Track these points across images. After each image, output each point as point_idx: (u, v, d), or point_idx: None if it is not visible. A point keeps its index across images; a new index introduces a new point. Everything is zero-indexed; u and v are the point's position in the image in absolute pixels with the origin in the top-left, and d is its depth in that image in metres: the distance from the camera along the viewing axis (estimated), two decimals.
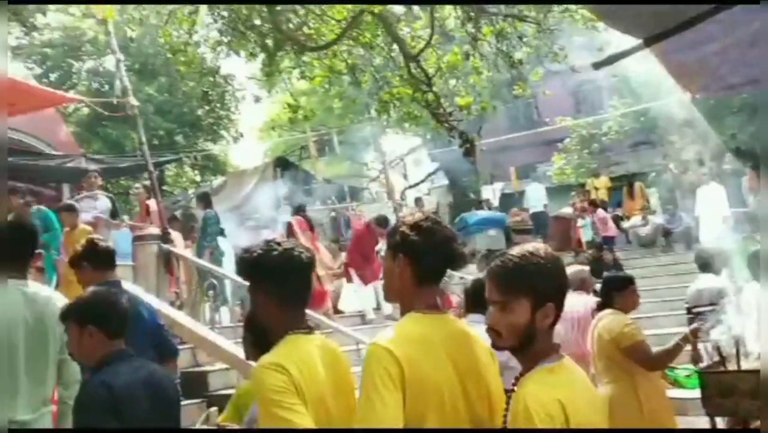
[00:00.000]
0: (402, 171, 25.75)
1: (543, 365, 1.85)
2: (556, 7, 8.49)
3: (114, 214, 8.72)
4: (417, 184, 25.21)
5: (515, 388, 1.86)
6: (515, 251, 1.92)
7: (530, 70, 9.73)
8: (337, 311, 9.90)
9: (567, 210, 14.41)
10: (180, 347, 4.71)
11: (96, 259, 3.82)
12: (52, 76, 20.36)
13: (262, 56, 9.03)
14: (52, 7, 13.88)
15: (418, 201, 17.33)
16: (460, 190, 21.15)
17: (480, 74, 9.15)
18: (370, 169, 26.81)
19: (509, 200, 18.11)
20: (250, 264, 2.20)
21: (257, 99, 17.01)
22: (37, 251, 3.46)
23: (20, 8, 10.12)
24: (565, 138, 20.15)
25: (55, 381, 3.18)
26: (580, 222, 13.09)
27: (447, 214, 18.53)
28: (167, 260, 8.06)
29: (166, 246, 8.06)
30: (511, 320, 1.85)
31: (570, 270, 5.60)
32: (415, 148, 26.22)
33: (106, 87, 19.32)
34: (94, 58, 20.63)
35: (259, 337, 2.71)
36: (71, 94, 17.83)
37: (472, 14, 7.66)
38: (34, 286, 3.24)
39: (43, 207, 7.60)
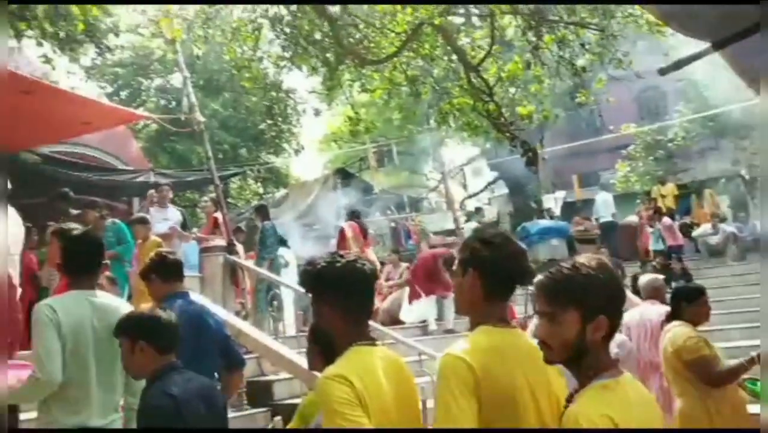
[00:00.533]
0: (461, 181, 25.66)
1: (598, 381, 1.80)
2: (619, 13, 8.33)
3: (184, 226, 9.01)
4: (477, 193, 25.07)
5: (569, 404, 1.83)
6: (566, 262, 1.89)
7: (593, 77, 9.56)
8: (397, 322, 9.93)
9: (632, 219, 14.06)
10: (246, 356, 4.80)
11: (164, 271, 3.94)
12: (123, 94, 21.24)
13: (323, 70, 9.20)
14: (123, 27, 14.49)
15: (478, 211, 17.24)
16: (521, 199, 20.91)
17: (541, 83, 9.04)
18: (429, 180, 26.82)
19: (571, 209, 17.79)
20: (313, 276, 2.23)
21: (317, 112, 17.33)
22: (103, 263, 3.57)
23: (95, 29, 10.59)
24: (629, 145, 19.69)
25: (123, 388, 3.29)
26: (648, 230, 12.74)
27: (508, 224, 18.35)
28: (233, 271, 8.27)
29: (231, 257, 8.28)
30: (560, 333, 1.82)
31: (644, 279, 5.49)
32: (474, 158, 26.09)
33: (173, 103, 20.02)
34: (162, 76, 21.41)
35: (324, 348, 2.74)
36: (141, 111, 18.53)
37: (533, 23, 7.60)
38: (102, 296, 3.36)
39: (117, 220, 7.92)
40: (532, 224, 13.95)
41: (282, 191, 20.14)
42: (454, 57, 8.57)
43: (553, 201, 19.23)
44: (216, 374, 3.95)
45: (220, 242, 8.55)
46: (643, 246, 12.69)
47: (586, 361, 1.82)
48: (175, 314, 3.10)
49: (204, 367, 3.77)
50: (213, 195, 9.70)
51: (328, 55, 8.76)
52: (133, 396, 3.27)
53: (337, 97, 12.43)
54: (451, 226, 18.33)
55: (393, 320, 10.11)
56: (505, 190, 22.98)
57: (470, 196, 23.97)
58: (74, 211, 7.46)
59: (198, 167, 16.33)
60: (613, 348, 2.02)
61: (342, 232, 10.14)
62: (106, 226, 7.08)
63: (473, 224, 14.38)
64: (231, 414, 6.00)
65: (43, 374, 3.01)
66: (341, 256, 2.24)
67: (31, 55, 10.79)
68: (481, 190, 25.16)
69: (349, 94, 10.60)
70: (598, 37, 7.97)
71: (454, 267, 2.17)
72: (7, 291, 3.94)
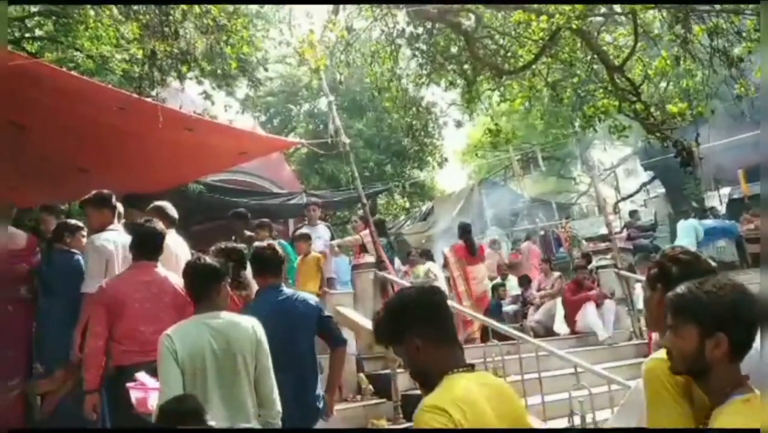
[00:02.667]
0: (613, 183, 24.47)
1: (735, 398, 1.87)
2: None
3: (331, 238, 9.35)
4: (630, 195, 23.77)
5: (706, 421, 1.91)
6: (700, 279, 2.00)
7: (752, 66, 8.80)
8: (551, 334, 9.68)
9: None
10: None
11: (258, 266, 4.35)
12: (275, 122, 22.54)
13: (461, 84, 9.22)
14: (272, 59, 15.45)
15: (633, 214, 16.35)
16: (680, 198, 19.58)
17: (693, 77, 8.47)
18: (577, 184, 25.90)
19: (738, 206, 16.38)
20: (397, 312, 2.24)
21: (459, 124, 17.32)
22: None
23: (246, 64, 11.38)
24: None
25: (254, 400, 3.46)
26: None
27: (667, 226, 17.25)
28: (383, 287, 8.48)
29: (381, 273, 8.50)
30: (678, 345, 1.95)
31: None
32: (626, 158, 24.83)
33: (321, 126, 20.95)
34: (310, 102, 22.47)
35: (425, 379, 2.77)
36: (291, 136, 19.58)
37: (680, 15, 7.14)
38: (225, 316, 3.51)
39: (282, 241, 8.41)
40: (687, 226, 12.87)
41: (428, 204, 20.37)
42: (596, 58, 8.26)
43: (717, 198, 17.85)
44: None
45: (369, 258, 8.80)
46: None
47: (712, 378, 1.90)
48: (264, 306, 3.79)
49: (297, 346, 4.19)
50: (362, 213, 10.01)
51: (465, 68, 8.79)
52: (261, 407, 3.48)
53: (477, 108, 12.40)
54: (603, 231, 17.58)
55: (547, 331, 9.87)
56: (662, 190, 21.64)
57: (623, 199, 22.79)
58: (248, 233, 8.03)
59: (346, 186, 16.95)
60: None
61: (445, 259, 10.12)
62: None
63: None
64: (355, 404, 6.48)
65: (164, 398, 3.22)
66: (410, 288, 2.39)
67: (192, 93, 11.76)
68: (636, 192, 23.81)
69: (489, 105, 10.53)
70: (753, 23, 7.33)
71: (643, 284, 2.34)
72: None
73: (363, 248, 9.29)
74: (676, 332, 1.95)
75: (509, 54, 8.82)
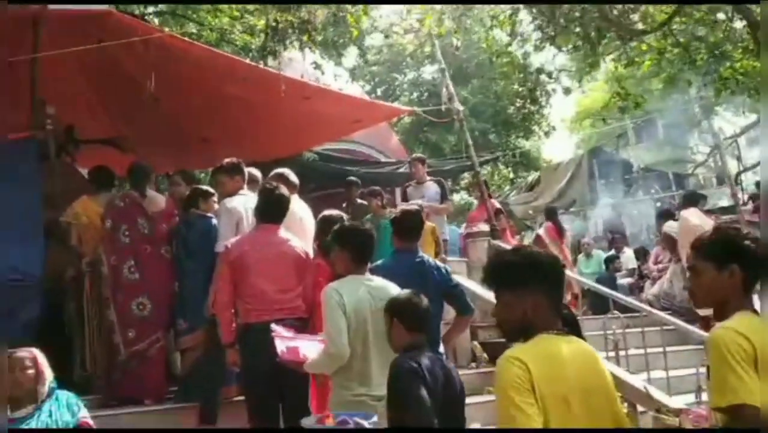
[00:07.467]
0: (734, 153, 22.93)
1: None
2: None
3: (443, 196, 8.49)
4: (754, 166, 22.19)
5: None
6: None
7: None
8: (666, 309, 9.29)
9: None
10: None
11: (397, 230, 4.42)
12: (378, 91, 22.62)
13: (583, 47, 8.78)
14: (379, 27, 15.42)
15: (758, 185, 15.26)
16: None
17: None
18: (694, 154, 24.44)
19: None
20: (517, 265, 2.23)
21: (567, 91, 16.73)
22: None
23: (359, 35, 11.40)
24: None
25: None
26: None
27: None
28: None
29: (495, 242, 8.40)
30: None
31: None
32: (749, 126, 23.15)
33: (425, 95, 20.84)
34: (414, 71, 22.36)
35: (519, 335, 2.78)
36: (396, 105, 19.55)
37: None
38: (375, 279, 3.69)
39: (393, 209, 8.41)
40: None
41: (533, 174, 19.88)
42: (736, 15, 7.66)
43: None
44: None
45: (483, 227, 8.71)
46: None
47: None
48: (402, 266, 3.98)
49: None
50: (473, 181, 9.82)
51: (589, 30, 8.37)
52: None
53: (589, 74, 11.90)
54: (724, 203, 16.59)
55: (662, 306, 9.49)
56: None
57: (746, 170, 21.31)
58: (359, 201, 8.11)
59: (451, 156, 16.80)
60: None
61: (539, 238, 10.11)
62: (385, 214, 7.55)
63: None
64: (471, 371, 6.47)
65: (334, 348, 3.42)
66: (519, 249, 2.40)
67: (300, 64, 11.92)
68: (760, 162, 22.18)
69: (613, 68, 10.01)
70: None
71: (695, 260, 2.33)
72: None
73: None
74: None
75: (640, 14, 8.29)
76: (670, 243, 9.00)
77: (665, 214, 9.69)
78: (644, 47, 8.72)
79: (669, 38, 8.25)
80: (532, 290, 2.16)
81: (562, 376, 2.04)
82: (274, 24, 6.96)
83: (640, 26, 8.01)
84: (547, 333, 2.13)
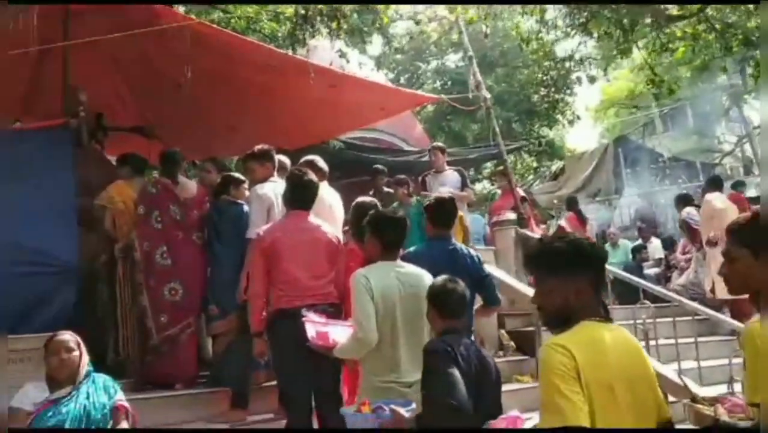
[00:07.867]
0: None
1: None
2: None
3: (464, 185, 8.27)
4: None
5: None
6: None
7: None
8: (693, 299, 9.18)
9: None
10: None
11: (432, 216, 4.39)
12: (402, 79, 22.53)
13: (615, 33, 8.62)
14: (404, 13, 15.28)
15: None
16: None
17: None
18: (721, 143, 24.10)
19: None
20: (575, 249, 2.22)
21: (592, 79, 16.51)
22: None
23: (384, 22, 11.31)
24: None
25: None
26: None
27: None
28: (525, 244, 8.32)
29: (522, 231, 8.36)
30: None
31: None
32: None
33: (449, 84, 20.71)
34: (438, 59, 22.22)
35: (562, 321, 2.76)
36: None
37: None
38: (406, 266, 3.69)
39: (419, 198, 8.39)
40: None
41: (558, 163, 19.73)
42: None
43: None
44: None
45: (510, 215, 8.66)
46: None
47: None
48: (436, 254, 3.97)
49: None
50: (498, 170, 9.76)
51: (622, 15, 8.22)
52: None
53: (619, 60, 11.73)
54: (753, 193, 16.34)
55: (690, 296, 9.37)
56: None
57: None
58: (386, 189, 8.09)
59: (474, 144, 16.71)
60: None
61: (561, 228, 10.03)
62: (411, 202, 7.54)
63: None
64: (498, 360, 6.28)
65: (363, 333, 3.42)
66: (564, 236, 2.35)
67: (324, 52, 11.88)
68: None
69: (643, 56, 9.82)
70: None
71: (730, 245, 2.26)
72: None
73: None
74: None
75: None
76: (689, 231, 8.85)
77: (684, 200, 9.37)
78: (678, 33, 8.53)
79: (703, 24, 8.08)
80: (577, 277, 2.15)
81: (606, 363, 2.02)
82: (303, 12, 6.91)
83: (675, 12, 7.82)
84: (590, 320, 2.12)
